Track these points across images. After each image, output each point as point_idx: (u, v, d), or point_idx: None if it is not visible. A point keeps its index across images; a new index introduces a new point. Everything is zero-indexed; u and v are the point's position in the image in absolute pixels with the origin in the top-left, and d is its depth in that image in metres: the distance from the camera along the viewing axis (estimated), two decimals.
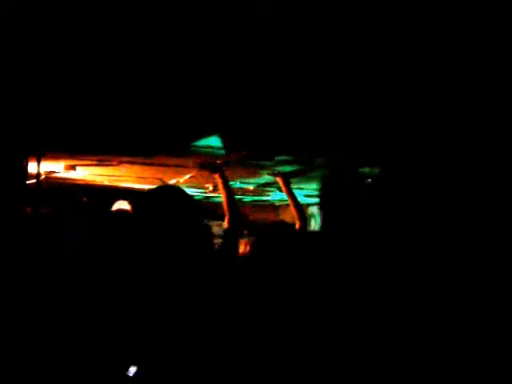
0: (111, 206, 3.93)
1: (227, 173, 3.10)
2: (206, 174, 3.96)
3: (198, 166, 3.33)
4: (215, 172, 3.04)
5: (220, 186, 2.98)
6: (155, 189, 1.67)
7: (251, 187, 5.46)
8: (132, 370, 1.37)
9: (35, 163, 3.35)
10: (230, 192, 2.95)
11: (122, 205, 4.08)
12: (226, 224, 2.78)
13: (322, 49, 1.52)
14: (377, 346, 1.33)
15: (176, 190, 1.72)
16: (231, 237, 2.81)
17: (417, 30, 1.35)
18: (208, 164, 3.20)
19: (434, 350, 1.26)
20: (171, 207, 1.52)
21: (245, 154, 3.34)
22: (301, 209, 3.42)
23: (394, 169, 1.43)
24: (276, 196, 4.22)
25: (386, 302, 1.38)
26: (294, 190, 5.15)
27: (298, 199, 3.52)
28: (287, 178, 3.61)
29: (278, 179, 3.65)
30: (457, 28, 1.33)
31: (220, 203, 2.92)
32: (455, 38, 1.39)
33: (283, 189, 3.61)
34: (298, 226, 3.27)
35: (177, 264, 1.48)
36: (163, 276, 1.48)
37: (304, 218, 3.38)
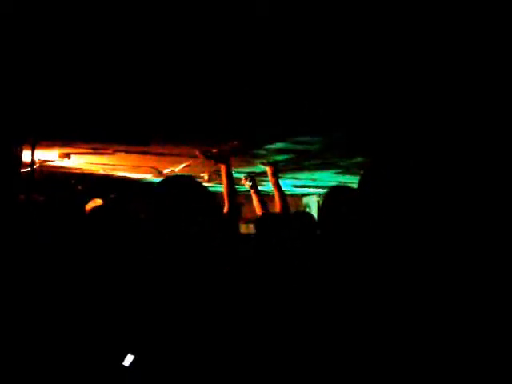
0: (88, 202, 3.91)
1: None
2: (204, 163, 3.97)
3: (203, 155, 3.26)
4: (223, 162, 3.06)
5: (223, 175, 3.02)
6: (165, 180, 1.64)
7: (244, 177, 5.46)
8: (128, 359, 1.38)
9: (29, 151, 3.33)
10: (231, 181, 2.99)
11: (97, 203, 4.07)
12: (225, 210, 2.83)
13: (318, 43, 1.52)
14: (376, 345, 1.34)
15: (186, 180, 1.67)
16: (230, 223, 2.86)
17: (416, 29, 1.35)
18: (214, 153, 3.21)
19: (434, 350, 1.27)
20: (181, 200, 1.50)
21: (235, 143, 3.33)
22: (285, 200, 3.46)
23: (392, 165, 1.43)
24: (269, 186, 4.26)
25: (384, 300, 1.39)
26: (289, 180, 5.17)
27: (284, 191, 3.56)
28: (276, 168, 3.66)
29: (268, 168, 3.67)
30: (456, 26, 1.33)
31: (215, 193, 2.93)
32: (455, 37, 1.39)
33: (270, 178, 3.64)
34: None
35: (183, 259, 1.48)
36: (168, 268, 1.48)
37: (287, 209, 3.41)
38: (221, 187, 3.07)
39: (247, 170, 4.76)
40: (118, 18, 1.42)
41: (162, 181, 1.61)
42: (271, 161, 3.78)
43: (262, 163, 3.82)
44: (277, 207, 3.43)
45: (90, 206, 3.85)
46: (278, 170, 3.76)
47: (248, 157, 3.87)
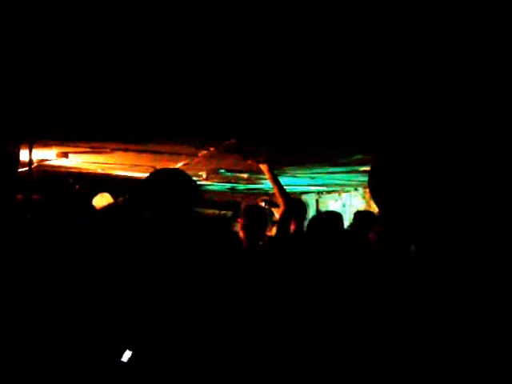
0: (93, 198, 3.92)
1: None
2: (202, 161, 4.01)
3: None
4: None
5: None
6: (153, 173, 1.65)
7: (245, 175, 5.45)
8: (126, 355, 1.38)
9: (27, 151, 3.32)
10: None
11: (104, 197, 4.08)
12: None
13: (316, 42, 1.51)
14: (376, 345, 1.33)
15: (173, 173, 1.68)
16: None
17: (416, 28, 1.35)
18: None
19: (434, 351, 1.27)
20: (166, 193, 1.51)
21: (233, 142, 3.34)
22: (286, 195, 3.45)
23: (393, 162, 1.42)
24: (268, 184, 4.27)
25: (383, 301, 1.38)
26: (289, 178, 5.15)
27: (283, 185, 3.54)
28: (271, 165, 3.66)
29: (262, 166, 3.66)
30: (456, 24, 1.32)
31: (213, 191, 2.96)
32: (454, 36, 1.39)
33: (267, 175, 3.63)
34: (281, 210, 3.38)
35: (175, 252, 1.48)
36: (161, 263, 1.48)
37: (289, 203, 3.41)
38: (218, 186, 3.11)
39: (242, 168, 4.76)
40: (115, 18, 1.42)
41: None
42: (258, 159, 3.77)
43: (257, 161, 3.80)
44: (279, 202, 3.44)
45: (98, 200, 3.85)
46: (276, 168, 3.78)
47: (243, 155, 3.86)
